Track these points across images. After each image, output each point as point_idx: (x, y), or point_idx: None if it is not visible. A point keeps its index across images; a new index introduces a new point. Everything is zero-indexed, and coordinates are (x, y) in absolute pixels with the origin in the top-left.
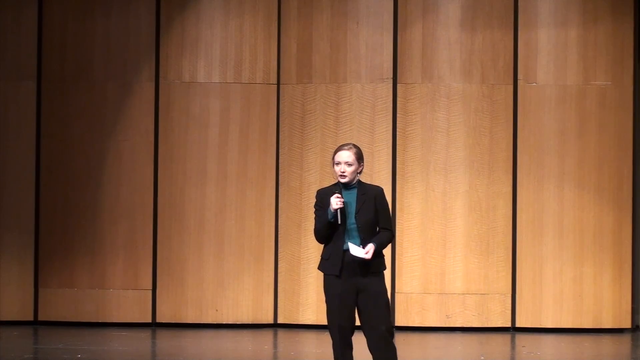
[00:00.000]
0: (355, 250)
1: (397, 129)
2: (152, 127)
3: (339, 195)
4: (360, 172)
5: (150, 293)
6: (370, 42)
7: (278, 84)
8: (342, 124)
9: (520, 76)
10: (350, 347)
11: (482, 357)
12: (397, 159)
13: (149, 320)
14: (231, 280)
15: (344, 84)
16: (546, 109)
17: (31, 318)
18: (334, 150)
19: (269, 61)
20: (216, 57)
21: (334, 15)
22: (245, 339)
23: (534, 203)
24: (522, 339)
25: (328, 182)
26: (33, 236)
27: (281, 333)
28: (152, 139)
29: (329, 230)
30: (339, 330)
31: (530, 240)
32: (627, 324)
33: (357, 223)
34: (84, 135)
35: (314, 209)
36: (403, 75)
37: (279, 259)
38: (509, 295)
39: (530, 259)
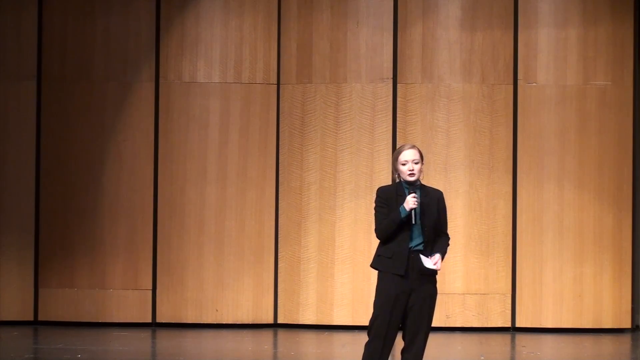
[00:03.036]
0: (427, 262)
1: (397, 129)
2: (152, 127)
3: (416, 195)
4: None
5: (150, 293)
6: (370, 42)
7: (278, 84)
8: (342, 124)
9: (520, 76)
10: (390, 348)
11: (482, 357)
12: None
13: (149, 320)
14: (231, 281)
15: (344, 84)
16: (546, 109)
17: (31, 318)
18: (395, 153)
19: (269, 61)
20: (216, 57)
21: (334, 15)
22: (245, 339)
23: (534, 203)
24: (522, 339)
25: (328, 182)
26: (33, 236)
27: (281, 333)
28: (152, 139)
29: (397, 230)
30: (387, 330)
31: (530, 240)
32: (627, 324)
33: (422, 224)
34: (84, 135)
35: (375, 207)
36: (403, 75)
37: (279, 259)
38: (509, 295)
39: (530, 259)
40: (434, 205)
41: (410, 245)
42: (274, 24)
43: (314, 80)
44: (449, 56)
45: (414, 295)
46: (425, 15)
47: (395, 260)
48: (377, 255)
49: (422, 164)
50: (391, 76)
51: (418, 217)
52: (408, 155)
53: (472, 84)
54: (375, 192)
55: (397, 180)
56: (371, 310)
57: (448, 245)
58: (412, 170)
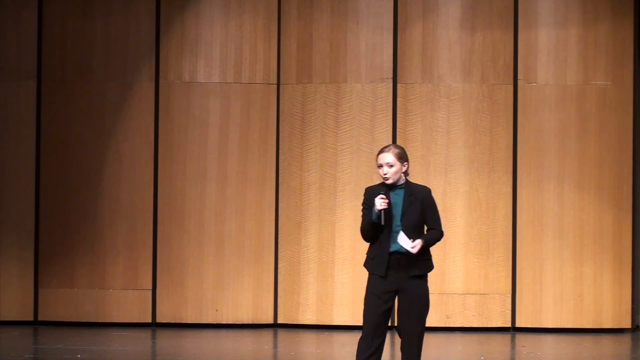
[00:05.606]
0: (404, 240)
1: (397, 129)
2: (152, 127)
3: (384, 196)
4: (406, 173)
5: (150, 293)
6: (370, 42)
7: (278, 84)
8: (342, 124)
9: (520, 76)
10: (378, 348)
11: (482, 357)
12: None
13: (149, 320)
14: (231, 280)
15: (344, 84)
16: (546, 109)
17: (31, 318)
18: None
19: (269, 61)
20: (216, 57)
21: (334, 15)
22: (245, 339)
23: (534, 203)
24: (522, 339)
25: (328, 182)
26: (33, 236)
27: (281, 333)
28: (152, 139)
29: (375, 231)
30: (371, 329)
31: (530, 240)
32: (627, 324)
33: (403, 225)
34: (84, 135)
35: (361, 207)
36: (403, 75)
37: (279, 259)
38: (509, 295)
39: (530, 259)
40: (417, 204)
41: (392, 249)
42: (274, 24)
43: (314, 80)
44: (449, 56)
45: (403, 295)
46: (425, 15)
47: (377, 261)
48: (366, 255)
49: (404, 164)
50: (391, 76)
51: (395, 217)
52: (382, 158)
53: (472, 84)
54: None
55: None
56: None
57: (437, 238)
58: (386, 174)
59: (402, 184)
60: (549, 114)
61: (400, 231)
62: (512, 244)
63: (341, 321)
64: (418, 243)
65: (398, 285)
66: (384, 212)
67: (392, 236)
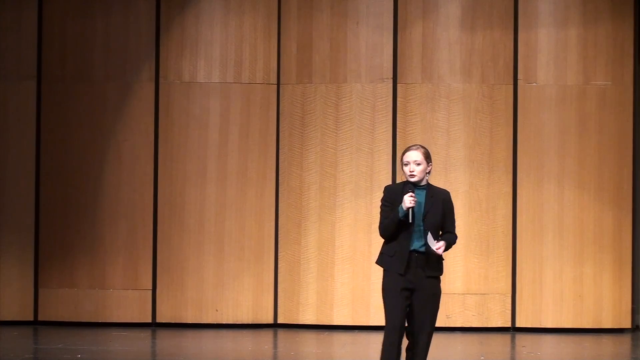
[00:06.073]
0: (432, 241)
1: (397, 129)
2: (152, 127)
3: (413, 194)
4: (429, 173)
5: (150, 293)
6: (370, 42)
7: (278, 84)
8: (342, 124)
9: (520, 76)
10: (400, 345)
11: (482, 357)
12: (397, 159)
13: (149, 320)
14: (231, 280)
15: (344, 84)
16: (546, 109)
17: (31, 318)
18: (402, 152)
19: (269, 61)
20: (216, 57)
21: (334, 15)
22: (245, 339)
23: (534, 203)
24: (522, 339)
25: (328, 182)
26: (33, 236)
27: (281, 333)
28: (152, 139)
29: (398, 228)
30: (397, 326)
31: (530, 240)
32: (627, 324)
33: (425, 225)
34: (84, 135)
35: (381, 205)
36: (403, 75)
37: (279, 259)
38: (509, 295)
39: (530, 259)
40: (438, 206)
41: (412, 247)
42: (274, 24)
43: (314, 80)
44: (449, 56)
45: (417, 294)
46: (425, 15)
47: (396, 259)
48: (381, 253)
49: (429, 165)
50: (391, 76)
51: (417, 216)
52: (410, 156)
53: (472, 84)
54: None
55: (406, 179)
56: (371, 310)
57: (454, 242)
58: (413, 171)
59: (424, 185)
60: (549, 114)
61: (421, 230)
62: (512, 244)
63: (341, 321)
64: (442, 245)
65: (415, 284)
66: (412, 210)
67: (412, 235)
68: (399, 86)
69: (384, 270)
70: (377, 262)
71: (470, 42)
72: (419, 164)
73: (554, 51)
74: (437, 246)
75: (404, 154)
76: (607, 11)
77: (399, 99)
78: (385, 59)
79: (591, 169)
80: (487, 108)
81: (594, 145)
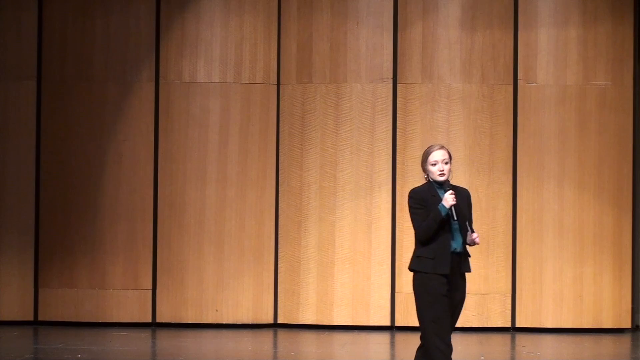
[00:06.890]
0: (470, 236)
1: (397, 129)
2: (152, 127)
3: (453, 192)
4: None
5: (150, 293)
6: (370, 42)
7: (278, 84)
8: (342, 124)
9: (520, 76)
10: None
11: (482, 357)
12: (397, 159)
13: (149, 320)
14: (231, 280)
15: (344, 84)
16: (546, 109)
17: (31, 318)
18: (424, 154)
19: (269, 61)
20: (216, 57)
21: (334, 15)
22: (245, 339)
23: (534, 203)
24: (522, 339)
25: (328, 182)
26: (33, 236)
27: (281, 333)
28: (152, 139)
29: (439, 229)
30: (448, 331)
31: (530, 240)
32: (627, 324)
33: (459, 222)
34: (84, 135)
35: (410, 209)
36: (403, 75)
37: (279, 259)
38: (509, 295)
39: (530, 259)
40: (464, 203)
41: (453, 247)
42: (274, 24)
43: (314, 80)
44: (449, 56)
45: (454, 294)
46: (425, 15)
47: (438, 261)
48: (417, 256)
49: (451, 163)
50: (391, 76)
51: (459, 213)
52: (438, 155)
53: (472, 84)
54: (408, 194)
55: (427, 181)
56: (371, 311)
57: None
58: (442, 170)
59: (448, 185)
60: (549, 114)
61: (457, 229)
62: (512, 244)
63: (341, 321)
64: (477, 234)
65: (452, 285)
66: (453, 208)
67: (451, 235)
68: (399, 86)
69: (422, 273)
70: (413, 267)
71: (470, 42)
72: (446, 163)
73: (554, 51)
74: (475, 235)
75: (429, 154)
76: (607, 11)
77: (399, 99)
78: (385, 59)
79: (591, 169)
80: (487, 108)
81: (594, 145)
